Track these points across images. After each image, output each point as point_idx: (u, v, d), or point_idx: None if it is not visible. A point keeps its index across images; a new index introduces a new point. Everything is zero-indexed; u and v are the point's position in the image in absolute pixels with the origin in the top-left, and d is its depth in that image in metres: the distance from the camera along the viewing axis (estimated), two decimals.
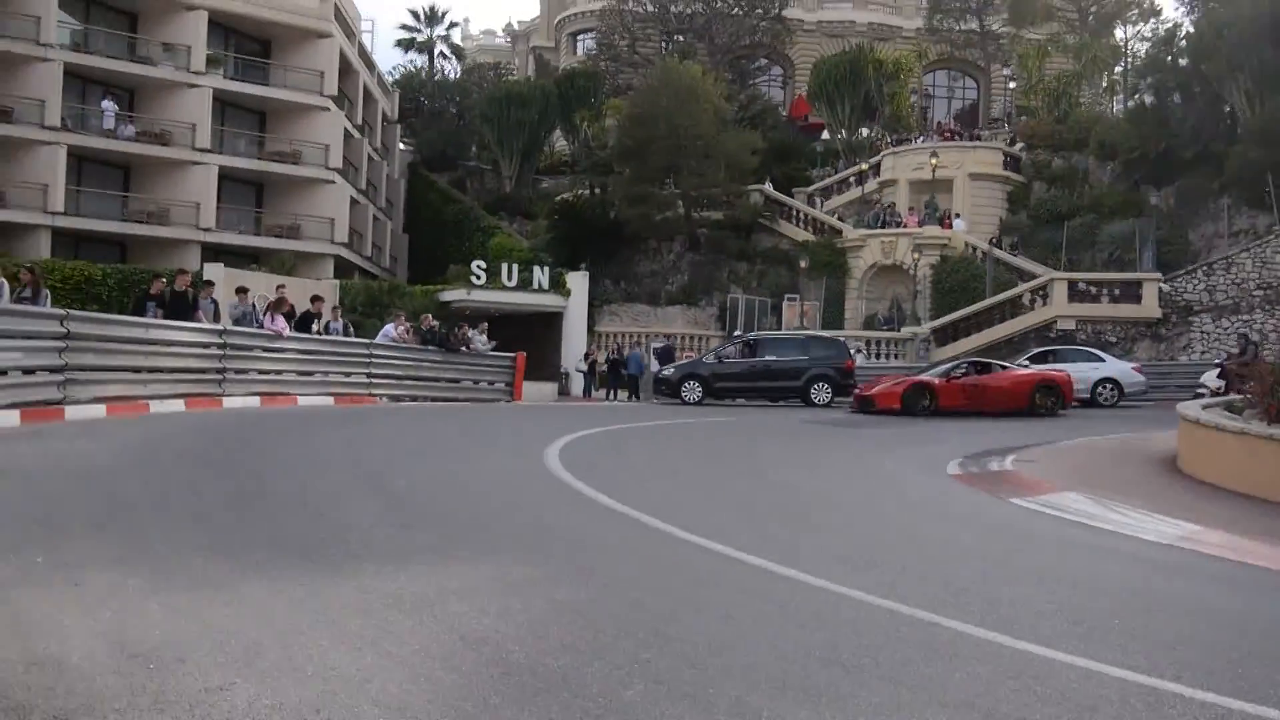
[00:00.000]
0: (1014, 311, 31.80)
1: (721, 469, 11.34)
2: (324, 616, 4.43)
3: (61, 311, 12.56)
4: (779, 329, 33.88)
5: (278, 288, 19.72)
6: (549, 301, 31.78)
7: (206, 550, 5.48)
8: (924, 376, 21.11)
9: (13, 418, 10.72)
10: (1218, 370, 22.45)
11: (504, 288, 31.04)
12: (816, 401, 23.39)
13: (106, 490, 7.08)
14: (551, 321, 31.87)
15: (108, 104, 34.37)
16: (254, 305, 17.76)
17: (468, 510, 7.38)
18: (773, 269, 38.50)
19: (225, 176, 35.59)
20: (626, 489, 8.78)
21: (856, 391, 21.86)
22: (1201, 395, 21.90)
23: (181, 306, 15.76)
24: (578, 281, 33.44)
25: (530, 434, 13.62)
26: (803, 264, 36.63)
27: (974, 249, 35.45)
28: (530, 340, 28.11)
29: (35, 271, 13.01)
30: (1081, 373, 23.93)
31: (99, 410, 12.64)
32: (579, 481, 9.08)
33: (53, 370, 12.15)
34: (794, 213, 40.49)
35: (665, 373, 25.84)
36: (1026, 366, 23.37)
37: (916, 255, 34.16)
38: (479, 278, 31.25)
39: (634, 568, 5.84)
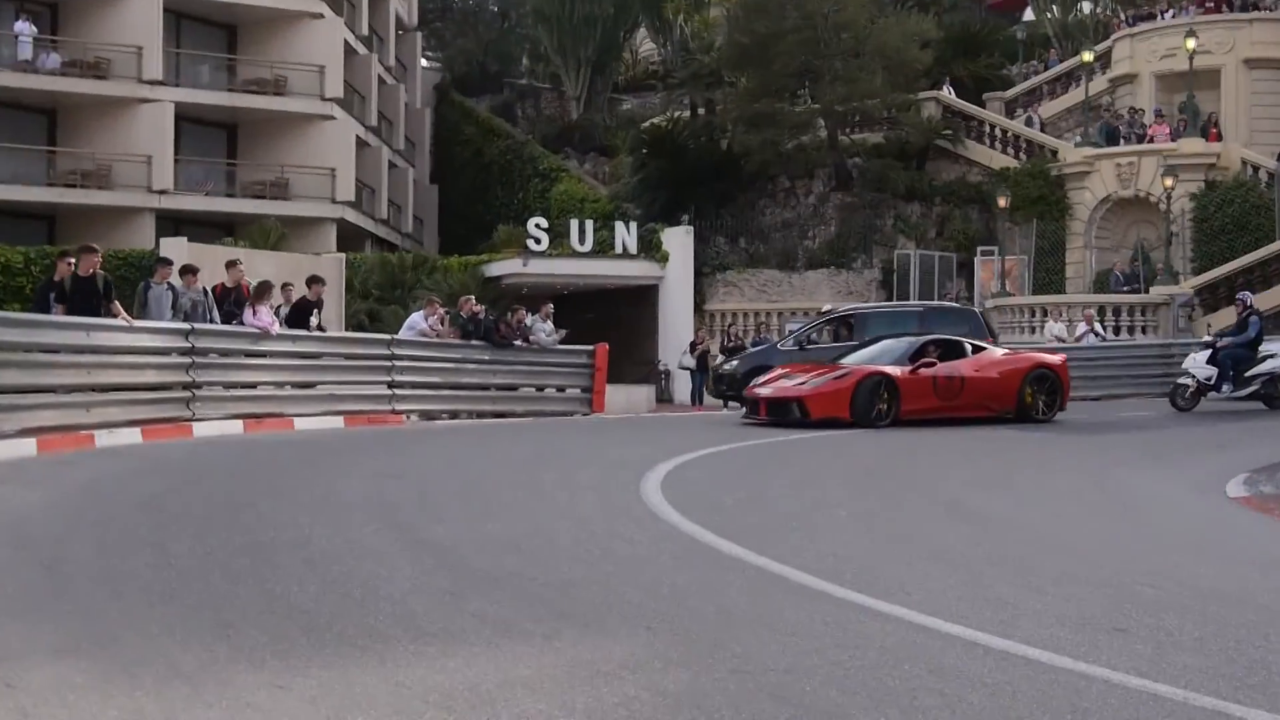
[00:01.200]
0: None
1: (886, 498, 11.22)
2: None
3: None
4: (970, 294, 33.45)
5: (228, 264, 19.88)
6: (639, 271, 31.93)
7: (181, 633, 5.60)
8: (874, 365, 19.27)
9: None
10: (1207, 352, 21.36)
11: (575, 254, 31.25)
12: None
13: (44, 555, 7.30)
14: (643, 299, 32.07)
15: (23, 25, 35.62)
16: (206, 291, 17.94)
17: (537, 568, 7.42)
18: (958, 211, 38.00)
19: (184, 117, 36.62)
20: (758, 531, 8.73)
21: (753, 391, 20.24)
22: (1184, 388, 21.33)
23: (88, 296, 15.43)
24: (678, 241, 33.38)
25: (619, 459, 13.64)
26: (1001, 202, 36.04)
27: (1256, 169, 34.46)
28: (615, 326, 28.36)
29: None
30: None
31: (28, 446, 13.05)
32: (691, 523, 9.05)
33: None
34: (987, 129, 39.88)
35: (726, 367, 26.07)
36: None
37: (1170, 182, 33.33)
38: (539, 242, 31.47)
39: (776, 643, 5.79)
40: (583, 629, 5.94)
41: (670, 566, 7.62)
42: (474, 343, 22.06)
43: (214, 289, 18.58)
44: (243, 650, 5.37)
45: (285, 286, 20.39)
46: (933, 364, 19.12)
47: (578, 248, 31.92)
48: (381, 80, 43.89)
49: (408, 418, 20.33)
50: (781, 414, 18.90)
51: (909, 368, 19.01)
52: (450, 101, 50.03)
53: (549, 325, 23.90)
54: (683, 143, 40.84)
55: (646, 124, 43.65)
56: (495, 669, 5.19)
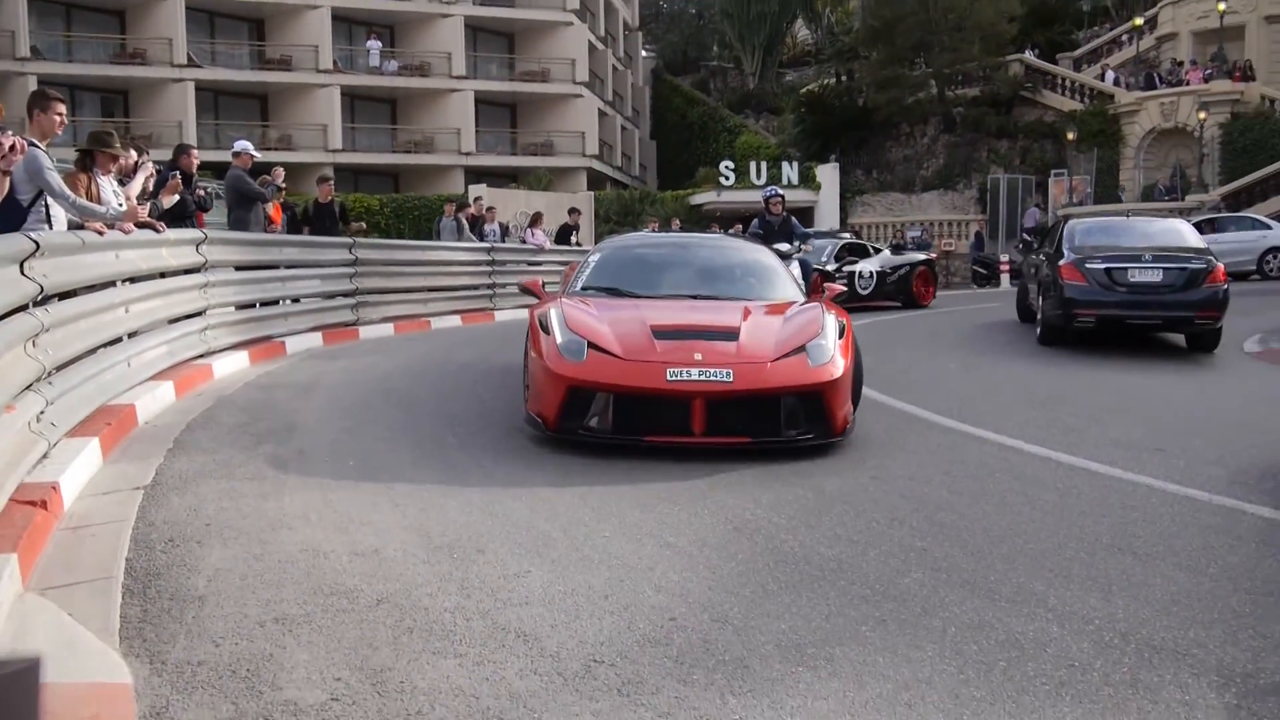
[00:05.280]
0: None
1: (989, 356, 10.91)
2: (605, 509, 4.66)
3: (349, 240, 13.55)
4: (1045, 208, 32.00)
5: (475, 200, 20.28)
6: (799, 197, 31.35)
7: (494, 452, 5.85)
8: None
9: (316, 339, 11.75)
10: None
11: (753, 186, 30.85)
12: None
13: (402, 400, 7.67)
14: (803, 217, 31.53)
15: (373, 43, 36.45)
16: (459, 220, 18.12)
17: None
18: (1037, 144, 36.23)
19: (481, 100, 37.06)
20: (889, 380, 8.63)
21: (629, 376, 5.94)
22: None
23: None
24: (828, 174, 32.80)
25: None
26: (1070, 135, 34.14)
27: (1272, 102, 31.81)
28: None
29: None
30: (1247, 242, 20.90)
31: (388, 329, 13.62)
32: None
33: (345, 295, 13.18)
34: (1059, 81, 37.69)
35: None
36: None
37: (1203, 115, 30.99)
38: (728, 178, 31.25)
39: (903, 458, 5.76)
40: (768, 454, 5.99)
41: None
42: None
43: (468, 217, 18.57)
44: (535, 463, 5.58)
45: (572, 212, 20.71)
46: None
47: (755, 181, 31.78)
48: (614, 68, 43.61)
49: None
50: (749, 426, 5.85)
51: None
52: (663, 80, 49.58)
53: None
54: (830, 102, 39.81)
55: (803, 90, 42.59)
56: (705, 476, 5.28)
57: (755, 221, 13.61)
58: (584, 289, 7.35)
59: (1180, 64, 35.03)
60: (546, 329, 6.23)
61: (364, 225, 14.40)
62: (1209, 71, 33.05)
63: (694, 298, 7.03)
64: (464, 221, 17.99)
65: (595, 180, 38.44)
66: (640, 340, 6.03)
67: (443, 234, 17.76)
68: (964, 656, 3.14)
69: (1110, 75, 37.49)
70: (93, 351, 6.26)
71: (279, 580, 3.70)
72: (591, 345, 5.99)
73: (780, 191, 14.08)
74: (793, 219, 13.84)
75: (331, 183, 14.76)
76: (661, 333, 6.10)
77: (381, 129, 37.24)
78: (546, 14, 38.09)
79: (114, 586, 3.62)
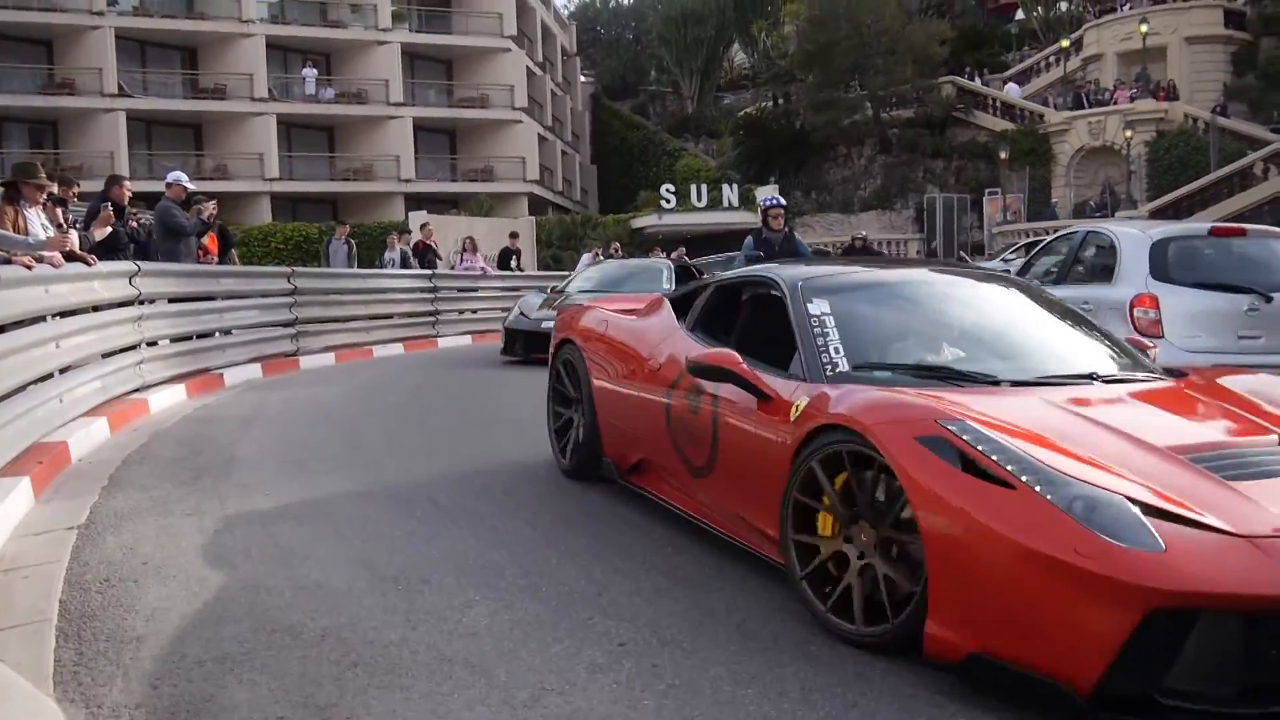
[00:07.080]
0: (1244, 184, 29.36)
1: None
2: (552, 535, 4.64)
3: (288, 269, 13.39)
4: (981, 224, 32.69)
5: (422, 226, 20.39)
6: (740, 219, 31.69)
7: (438, 479, 5.80)
8: None
9: (256, 370, 11.58)
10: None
11: (694, 209, 31.13)
12: None
13: (344, 430, 7.59)
14: (744, 239, 31.91)
15: (308, 70, 36.22)
16: (404, 250, 17.84)
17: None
18: (971, 164, 37.01)
19: (419, 127, 36.98)
20: None
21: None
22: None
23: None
24: (767, 196, 33.12)
25: None
26: (1003, 155, 34.97)
27: (1194, 120, 32.83)
28: None
29: None
30: None
31: (329, 359, 13.46)
32: None
33: (285, 325, 13.00)
34: (990, 102, 38.58)
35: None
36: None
37: (1129, 133, 31.94)
38: (669, 201, 31.46)
39: None
40: None
41: None
42: None
43: (415, 245, 18.24)
44: (482, 489, 5.55)
45: (512, 236, 21.16)
46: None
47: (696, 204, 32.06)
48: (553, 93, 43.77)
49: None
50: None
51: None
52: (602, 105, 49.90)
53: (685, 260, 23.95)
54: (768, 125, 40.35)
55: (741, 113, 43.15)
56: (648, 502, 5.26)
57: (749, 241, 10.78)
58: (856, 369, 3.94)
59: (1095, 83, 36.03)
60: (983, 472, 3.00)
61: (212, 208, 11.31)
62: (1134, 91, 34.04)
63: (1075, 379, 3.97)
64: (352, 245, 17.20)
65: (536, 205, 38.49)
66: (1203, 488, 3.01)
67: (333, 259, 17.00)
68: (914, 668, 3.16)
69: (1013, 88, 38.50)
70: (22, 388, 6.12)
71: (219, 618, 3.62)
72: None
73: (783, 200, 10.98)
74: (796, 236, 10.86)
75: (212, 203, 11.82)
76: (1204, 460, 3.19)
77: (319, 157, 36.96)
78: (484, 40, 38.15)
79: (48, 629, 3.52)
